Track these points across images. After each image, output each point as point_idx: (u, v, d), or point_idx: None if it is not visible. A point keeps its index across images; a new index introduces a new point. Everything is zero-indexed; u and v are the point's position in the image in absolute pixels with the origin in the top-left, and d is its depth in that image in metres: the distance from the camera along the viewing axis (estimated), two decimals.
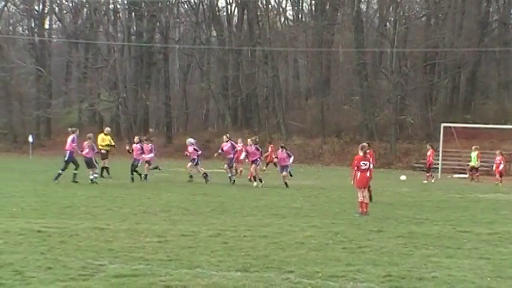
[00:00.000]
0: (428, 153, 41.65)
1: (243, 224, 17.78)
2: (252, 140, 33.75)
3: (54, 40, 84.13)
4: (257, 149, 33.52)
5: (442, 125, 48.79)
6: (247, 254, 13.39)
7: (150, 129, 77.76)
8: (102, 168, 35.32)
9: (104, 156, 35.69)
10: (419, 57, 64.04)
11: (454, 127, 50.31)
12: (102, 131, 39.93)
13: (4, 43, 73.74)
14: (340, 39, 69.18)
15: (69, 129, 32.91)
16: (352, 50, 63.73)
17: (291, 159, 33.15)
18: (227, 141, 34.84)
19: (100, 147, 35.50)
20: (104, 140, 36.74)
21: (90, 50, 76.00)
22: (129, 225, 17.12)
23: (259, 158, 33.49)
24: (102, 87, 73.49)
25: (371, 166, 21.95)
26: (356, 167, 21.68)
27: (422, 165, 51.91)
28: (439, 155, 48.48)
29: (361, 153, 21.81)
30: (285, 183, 32.00)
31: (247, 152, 34.06)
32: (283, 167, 32.87)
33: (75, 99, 75.75)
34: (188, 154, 35.54)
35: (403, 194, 29.89)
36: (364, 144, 22.70)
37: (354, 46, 63.01)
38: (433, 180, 39.67)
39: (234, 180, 34.18)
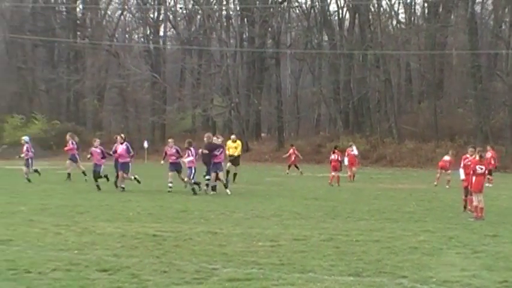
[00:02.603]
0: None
1: (355, 229, 17.71)
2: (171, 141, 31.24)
3: (169, 47, 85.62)
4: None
5: None
6: (360, 259, 13.35)
7: (262, 134, 78.21)
8: (234, 174, 35.54)
9: (235, 163, 35.81)
10: None
11: None
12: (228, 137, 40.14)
13: (121, 51, 75.52)
14: (453, 41, 68.16)
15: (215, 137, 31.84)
16: (466, 52, 62.62)
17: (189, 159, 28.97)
18: (122, 143, 31.22)
19: (231, 154, 35.95)
20: (231, 147, 36.86)
21: (204, 56, 76.95)
22: (242, 230, 17.26)
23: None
24: (215, 93, 74.36)
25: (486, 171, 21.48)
26: (472, 171, 21.31)
27: None
28: None
29: (477, 157, 21.46)
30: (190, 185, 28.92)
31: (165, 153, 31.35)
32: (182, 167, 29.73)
33: (189, 105, 76.77)
34: (23, 154, 35.42)
35: None
36: (480, 148, 22.34)
37: (467, 48, 61.88)
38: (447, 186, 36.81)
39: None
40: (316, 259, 13.26)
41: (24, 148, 35.58)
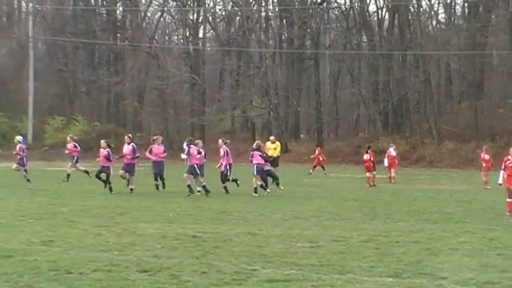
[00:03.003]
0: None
1: (394, 230, 17.67)
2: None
3: (208, 48, 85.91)
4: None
5: None
6: (399, 260, 13.32)
7: (301, 135, 78.15)
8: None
9: (274, 164, 35.87)
10: None
11: None
12: (267, 139, 40.00)
13: (160, 52, 75.84)
14: (494, 41, 67.58)
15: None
16: (507, 53, 62.07)
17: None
18: (129, 143, 30.25)
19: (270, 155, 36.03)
20: (270, 148, 36.92)
21: (243, 58, 77.07)
22: (281, 231, 17.30)
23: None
24: (254, 94, 74.42)
25: None
26: None
27: None
28: None
29: None
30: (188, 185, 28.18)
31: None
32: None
33: (228, 106, 76.94)
34: (16, 153, 35.87)
35: None
36: None
37: (508, 48, 61.35)
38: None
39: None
40: (356, 260, 13.27)
41: (18, 148, 36.22)
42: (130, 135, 32.08)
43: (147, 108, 78.85)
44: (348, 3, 75.98)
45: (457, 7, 75.73)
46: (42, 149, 66.93)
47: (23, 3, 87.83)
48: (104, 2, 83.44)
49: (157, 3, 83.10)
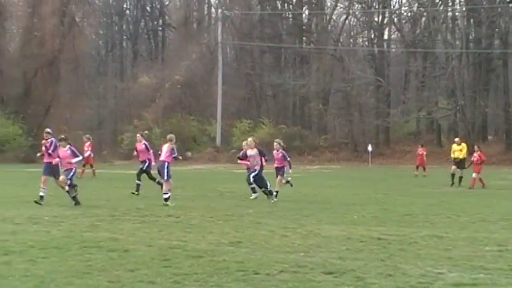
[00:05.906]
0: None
1: None
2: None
3: (393, 50, 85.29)
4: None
5: None
6: None
7: (489, 137, 76.30)
8: (460, 177, 35.21)
9: (460, 166, 35.51)
10: None
11: None
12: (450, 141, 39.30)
13: (345, 55, 76.09)
14: None
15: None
16: None
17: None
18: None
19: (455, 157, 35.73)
20: (456, 150, 36.49)
21: (428, 59, 76.06)
22: (468, 234, 17.00)
23: None
24: (439, 95, 73.33)
25: None
26: None
27: None
28: None
29: None
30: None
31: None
32: (279, 169, 27.19)
33: (413, 107, 76.14)
34: None
35: None
36: None
37: None
38: None
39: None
40: None
41: None
42: (49, 129, 25.47)
43: (332, 110, 79.24)
44: None
45: None
46: (230, 151, 68.42)
47: (213, 10, 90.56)
48: (290, 6, 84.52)
49: (342, 6, 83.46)
